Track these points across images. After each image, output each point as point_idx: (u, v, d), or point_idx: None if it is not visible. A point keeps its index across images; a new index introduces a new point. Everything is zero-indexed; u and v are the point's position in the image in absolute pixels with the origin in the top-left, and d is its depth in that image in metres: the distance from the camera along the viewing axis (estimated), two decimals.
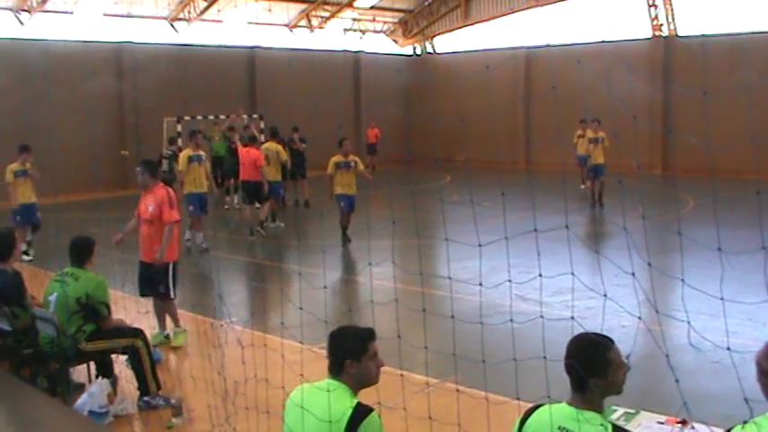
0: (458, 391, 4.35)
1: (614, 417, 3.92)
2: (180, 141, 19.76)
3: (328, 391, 3.20)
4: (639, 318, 3.91)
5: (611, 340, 2.87)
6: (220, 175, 19.20)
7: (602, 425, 2.73)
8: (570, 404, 2.82)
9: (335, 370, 3.32)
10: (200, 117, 20.57)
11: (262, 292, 10.61)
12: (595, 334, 2.87)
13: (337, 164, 13.73)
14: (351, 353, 3.27)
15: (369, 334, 3.36)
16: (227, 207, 19.14)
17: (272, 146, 16.22)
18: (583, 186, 19.82)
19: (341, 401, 3.18)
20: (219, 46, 27.99)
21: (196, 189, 13.12)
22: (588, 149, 17.70)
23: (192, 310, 9.03)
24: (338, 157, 13.81)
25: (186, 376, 6.04)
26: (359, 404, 3.20)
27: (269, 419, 4.45)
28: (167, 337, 8.00)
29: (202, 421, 5.46)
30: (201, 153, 13.62)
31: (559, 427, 2.77)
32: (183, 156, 13.54)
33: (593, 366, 2.78)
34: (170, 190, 7.92)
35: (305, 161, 18.91)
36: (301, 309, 4.26)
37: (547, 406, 2.90)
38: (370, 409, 3.19)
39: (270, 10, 28.99)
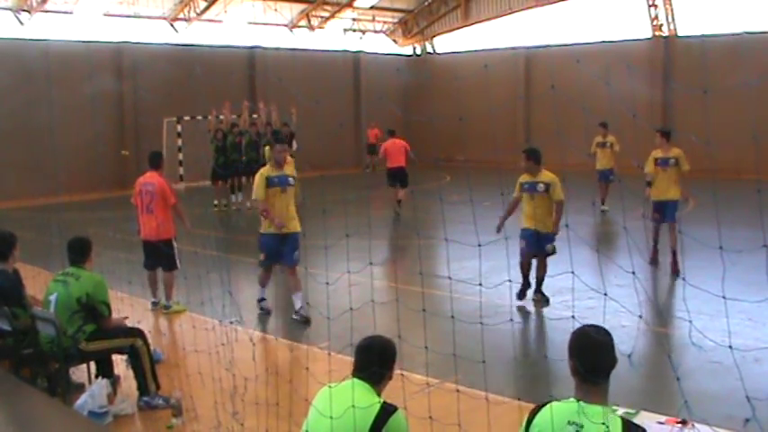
0: (458, 391, 4.34)
1: None
2: (179, 141, 19.66)
3: (354, 389, 3.35)
4: (640, 317, 3.92)
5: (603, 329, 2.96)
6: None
7: (607, 419, 2.74)
8: (578, 399, 2.84)
9: (373, 377, 3.45)
10: (200, 117, 20.55)
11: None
12: (589, 325, 2.95)
13: (522, 185, 9.24)
14: (391, 364, 3.55)
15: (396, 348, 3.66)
16: (230, 206, 19.03)
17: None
18: (603, 207, 16.64)
19: (367, 399, 3.32)
20: (219, 46, 28.01)
21: (271, 229, 8.58)
22: (654, 175, 11.14)
23: (196, 309, 9.05)
24: (525, 176, 9.29)
25: (192, 374, 6.03)
26: (384, 402, 3.34)
27: (278, 414, 4.44)
28: (167, 307, 9.08)
29: (209, 419, 5.46)
30: (287, 173, 8.68)
31: (569, 422, 2.78)
32: (258, 178, 8.65)
33: (612, 353, 2.87)
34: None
35: None
36: (308, 304, 4.26)
37: (553, 403, 2.91)
38: (395, 408, 3.32)
39: (276, 10, 29.01)
